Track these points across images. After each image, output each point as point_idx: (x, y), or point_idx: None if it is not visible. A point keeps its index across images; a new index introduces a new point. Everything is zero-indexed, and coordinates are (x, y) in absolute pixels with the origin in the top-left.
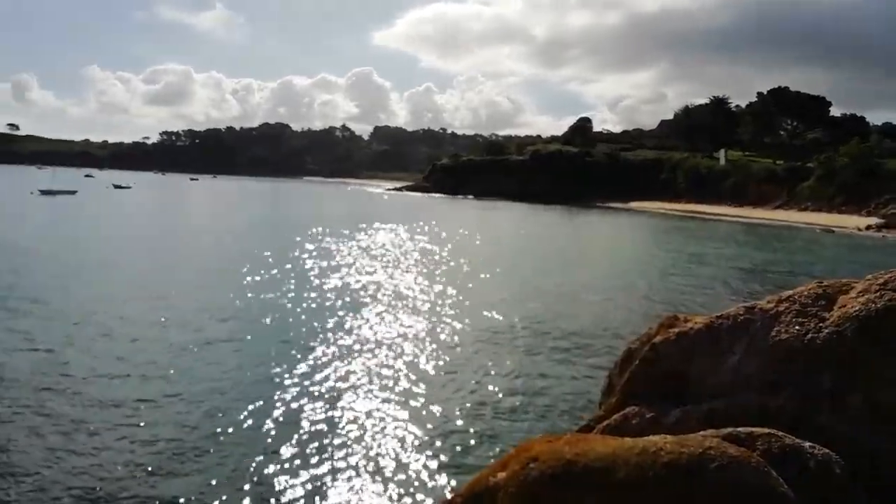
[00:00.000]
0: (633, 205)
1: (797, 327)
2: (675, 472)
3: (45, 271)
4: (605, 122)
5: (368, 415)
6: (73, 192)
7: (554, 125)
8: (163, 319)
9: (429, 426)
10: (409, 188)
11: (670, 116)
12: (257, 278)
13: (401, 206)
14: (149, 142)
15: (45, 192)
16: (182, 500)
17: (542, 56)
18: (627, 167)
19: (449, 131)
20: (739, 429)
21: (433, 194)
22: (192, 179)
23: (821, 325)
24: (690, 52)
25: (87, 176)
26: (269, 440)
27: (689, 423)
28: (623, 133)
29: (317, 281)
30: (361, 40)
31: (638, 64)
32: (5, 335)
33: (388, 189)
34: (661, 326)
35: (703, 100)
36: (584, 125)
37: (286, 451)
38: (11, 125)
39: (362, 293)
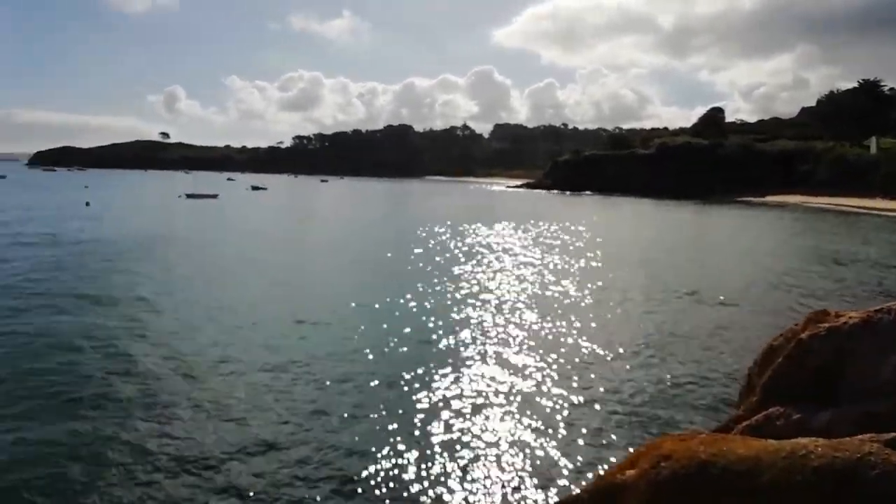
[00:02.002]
0: (770, 199)
1: None
2: (828, 478)
3: (191, 265)
4: (739, 111)
5: (493, 407)
6: (215, 196)
7: (682, 116)
8: (294, 306)
9: (556, 420)
10: (529, 185)
11: (812, 103)
12: (386, 272)
13: (521, 203)
14: (282, 146)
15: (190, 196)
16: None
17: (669, 45)
18: (763, 159)
19: (570, 126)
20: None
21: (554, 191)
22: (322, 181)
23: None
24: (833, 33)
25: (228, 179)
26: (396, 426)
27: (842, 426)
28: (759, 122)
29: (445, 277)
30: (481, 40)
31: (774, 48)
32: (156, 318)
33: (509, 186)
34: (808, 321)
35: (850, 84)
36: (715, 115)
37: (414, 441)
38: (163, 133)
39: (490, 291)
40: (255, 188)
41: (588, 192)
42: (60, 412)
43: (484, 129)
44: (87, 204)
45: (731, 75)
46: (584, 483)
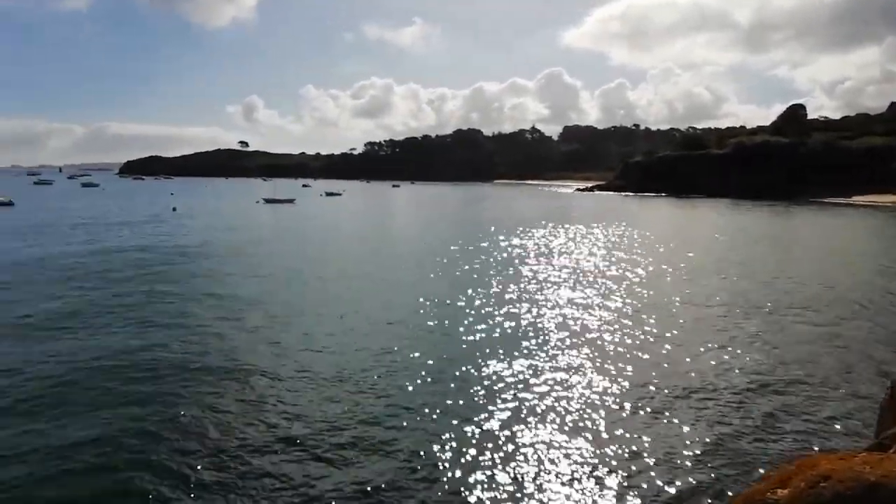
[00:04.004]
0: (858, 199)
1: None
2: None
3: (274, 264)
4: (822, 108)
5: (610, 419)
6: (292, 201)
7: (760, 115)
8: (374, 301)
9: (680, 434)
10: (599, 187)
11: None
12: (458, 271)
13: (592, 205)
14: (355, 152)
15: (268, 201)
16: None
17: (746, 41)
18: (849, 157)
19: (642, 127)
20: None
21: (626, 193)
22: (393, 186)
23: None
24: None
25: (304, 186)
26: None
27: None
28: (843, 119)
29: (521, 279)
30: (550, 42)
31: (859, 41)
32: (244, 310)
33: (579, 189)
34: None
35: None
36: (795, 112)
37: (511, 447)
38: (242, 142)
39: (564, 295)
40: (329, 194)
41: (661, 194)
42: (161, 391)
43: (553, 131)
44: (174, 210)
45: (812, 71)
46: (711, 500)
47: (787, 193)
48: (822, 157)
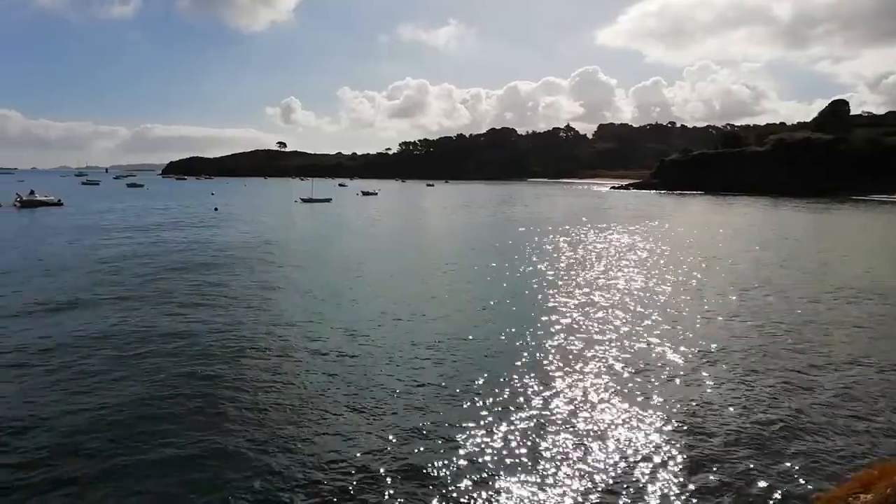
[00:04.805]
0: None
1: None
2: None
3: (314, 259)
4: (865, 103)
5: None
6: (329, 200)
7: (801, 111)
8: (411, 294)
9: (758, 432)
10: (635, 185)
11: None
12: (494, 265)
13: (628, 203)
14: (390, 152)
15: (306, 201)
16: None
17: (785, 36)
18: (893, 153)
19: (678, 125)
20: None
21: (661, 191)
22: (428, 185)
23: None
24: None
25: (340, 185)
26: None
27: None
28: (889, 114)
29: (558, 277)
30: (585, 41)
31: None
32: (288, 310)
33: (614, 187)
34: None
35: None
36: (838, 108)
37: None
38: (280, 143)
39: (607, 297)
40: (365, 193)
41: (698, 192)
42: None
43: (588, 129)
44: (216, 209)
45: (855, 65)
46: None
47: (828, 191)
48: (865, 154)
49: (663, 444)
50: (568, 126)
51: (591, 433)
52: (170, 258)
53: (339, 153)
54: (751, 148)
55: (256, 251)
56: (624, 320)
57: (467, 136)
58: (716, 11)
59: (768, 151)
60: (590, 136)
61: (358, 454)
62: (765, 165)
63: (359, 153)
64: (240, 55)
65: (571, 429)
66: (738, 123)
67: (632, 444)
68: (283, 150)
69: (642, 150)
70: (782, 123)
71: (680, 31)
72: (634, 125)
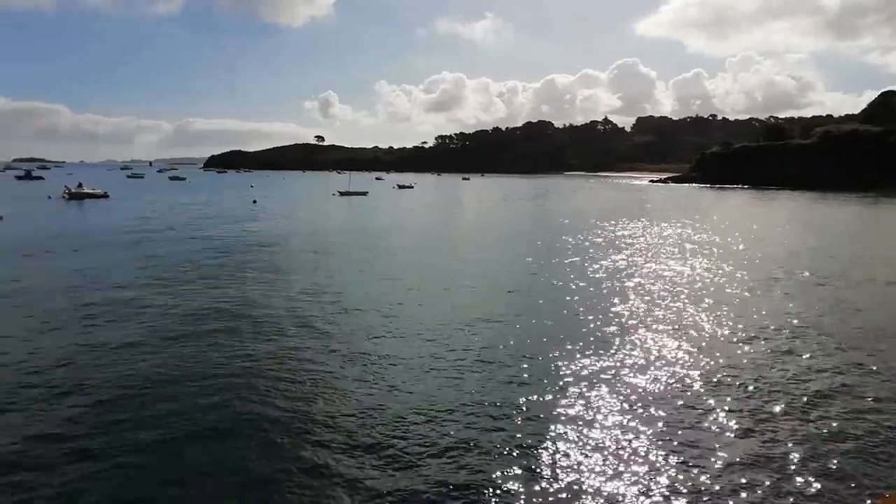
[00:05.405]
0: None
1: None
2: None
3: (352, 251)
4: None
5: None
6: (365, 193)
7: (849, 103)
8: (441, 287)
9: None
10: (674, 179)
11: None
12: (532, 262)
13: (668, 197)
14: (426, 146)
15: (343, 194)
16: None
17: (833, 27)
18: None
19: (719, 117)
20: None
21: (702, 185)
22: (463, 179)
23: None
24: None
25: (377, 179)
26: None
27: None
28: None
29: (601, 275)
30: (624, 32)
31: None
32: (321, 296)
33: (652, 181)
34: None
35: None
36: (887, 100)
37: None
38: (318, 137)
39: (653, 296)
40: (401, 187)
41: (738, 186)
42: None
43: (626, 122)
44: (254, 202)
45: None
46: None
47: (876, 185)
48: None
49: (707, 451)
50: (606, 119)
51: (654, 423)
52: (210, 245)
53: (376, 147)
54: (795, 141)
55: (293, 240)
56: (692, 315)
57: (503, 129)
58: (760, 1)
59: (813, 144)
60: (628, 129)
61: (422, 432)
62: (809, 159)
63: (395, 147)
64: (279, 50)
65: (631, 420)
66: (782, 116)
67: (687, 438)
68: (320, 144)
69: (681, 143)
70: (829, 115)
71: (723, 21)
72: (674, 118)
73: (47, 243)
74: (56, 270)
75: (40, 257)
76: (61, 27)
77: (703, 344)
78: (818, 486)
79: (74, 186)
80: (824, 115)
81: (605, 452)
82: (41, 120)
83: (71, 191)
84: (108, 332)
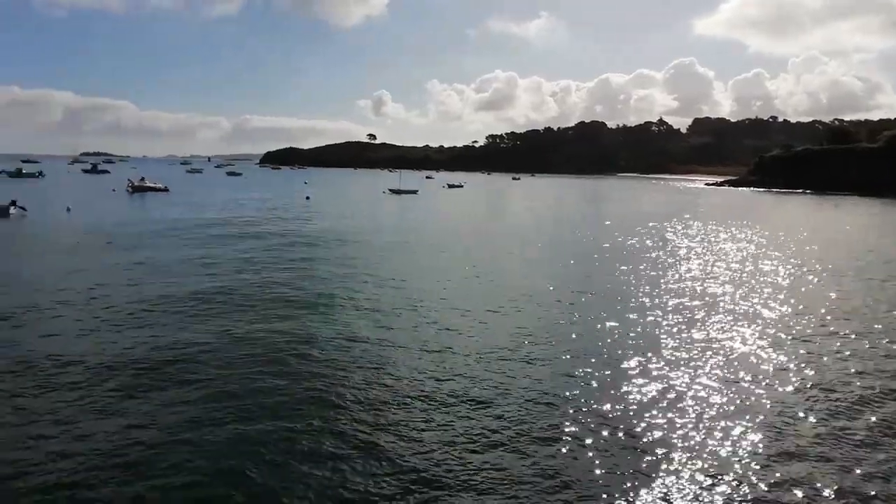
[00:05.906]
0: None
1: None
2: None
3: (401, 247)
4: None
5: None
6: (415, 192)
7: None
8: (483, 287)
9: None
10: (731, 182)
11: None
12: (576, 265)
13: (725, 202)
14: (476, 145)
15: (393, 192)
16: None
17: None
18: None
19: (780, 119)
20: None
21: (760, 189)
22: (513, 178)
23: None
24: None
25: (427, 177)
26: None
27: None
28: None
29: (654, 283)
30: (681, 31)
31: None
32: (379, 293)
33: (708, 184)
34: None
35: None
36: None
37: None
38: (370, 135)
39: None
40: (451, 186)
41: (798, 191)
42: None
43: (682, 123)
44: (308, 198)
45: None
46: None
47: None
48: None
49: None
50: (661, 120)
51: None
52: (265, 241)
53: (427, 146)
54: (861, 144)
55: (345, 236)
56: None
57: (555, 129)
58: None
59: (881, 148)
60: (684, 130)
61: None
62: (875, 163)
63: (446, 146)
64: (334, 49)
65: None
66: (847, 118)
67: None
68: (372, 142)
69: (739, 145)
70: None
71: (785, 20)
72: (732, 119)
73: (112, 232)
74: (126, 262)
75: (106, 249)
76: (128, 26)
77: (791, 362)
78: None
79: (137, 180)
80: (893, 118)
81: (697, 461)
82: (108, 115)
83: (134, 184)
84: (200, 324)
